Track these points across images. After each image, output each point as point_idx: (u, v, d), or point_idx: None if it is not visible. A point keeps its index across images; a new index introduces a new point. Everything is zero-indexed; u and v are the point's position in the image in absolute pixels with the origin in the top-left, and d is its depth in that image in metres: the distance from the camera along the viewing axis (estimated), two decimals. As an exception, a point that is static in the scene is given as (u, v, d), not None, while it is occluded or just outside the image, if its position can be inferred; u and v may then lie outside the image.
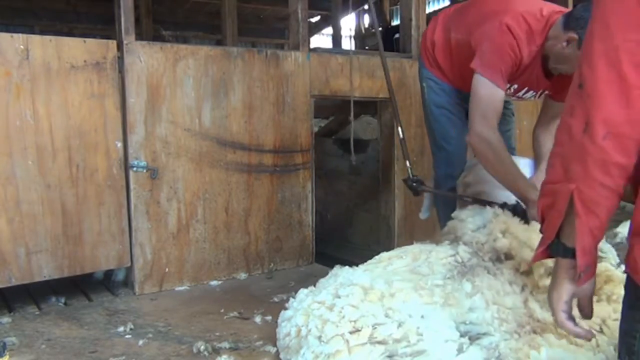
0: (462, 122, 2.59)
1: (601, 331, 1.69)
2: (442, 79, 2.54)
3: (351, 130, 3.06)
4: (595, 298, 1.80)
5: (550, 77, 2.25)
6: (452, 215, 2.19)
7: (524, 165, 2.43)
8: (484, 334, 1.64)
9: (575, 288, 1.07)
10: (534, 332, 1.68)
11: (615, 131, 0.90)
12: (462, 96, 2.47)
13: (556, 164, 1.02)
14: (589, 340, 1.13)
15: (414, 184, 2.59)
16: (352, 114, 3.05)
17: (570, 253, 1.03)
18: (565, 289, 1.07)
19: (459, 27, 2.36)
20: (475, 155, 2.24)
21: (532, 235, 1.88)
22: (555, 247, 1.07)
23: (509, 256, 1.91)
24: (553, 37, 2.08)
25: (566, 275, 1.06)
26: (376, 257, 2.07)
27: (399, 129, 2.73)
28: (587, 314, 1.11)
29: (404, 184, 2.65)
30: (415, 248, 2.04)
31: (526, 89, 2.32)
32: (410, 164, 2.65)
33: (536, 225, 1.90)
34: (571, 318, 1.10)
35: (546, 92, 2.38)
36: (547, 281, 1.80)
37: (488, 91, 2.10)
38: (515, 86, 2.30)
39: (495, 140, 2.07)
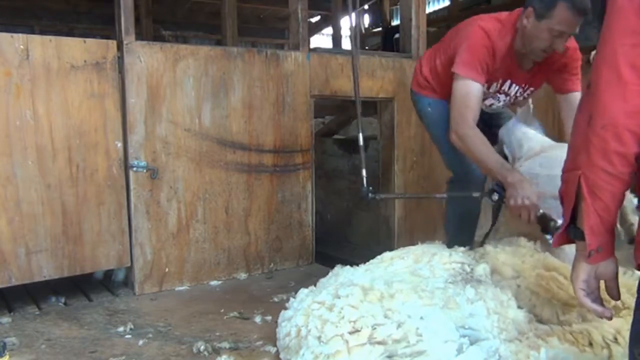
0: None
1: (615, 341, 1.63)
2: (440, 98, 2.54)
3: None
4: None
5: (528, 70, 2.38)
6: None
7: None
8: (483, 340, 1.63)
9: (593, 268, 1.14)
10: (538, 337, 1.66)
11: (612, 122, 1.02)
12: None
13: (568, 155, 1.17)
14: (609, 319, 1.20)
15: (370, 194, 2.58)
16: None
17: (583, 235, 1.12)
18: (582, 268, 1.16)
19: (440, 52, 2.49)
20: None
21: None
22: (572, 231, 1.17)
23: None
24: (519, 24, 2.24)
25: (582, 255, 1.15)
26: (378, 256, 2.07)
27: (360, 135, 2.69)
28: (613, 295, 1.18)
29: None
30: (418, 249, 2.04)
31: (509, 81, 2.41)
32: (365, 173, 2.63)
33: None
34: (591, 296, 1.17)
35: (531, 88, 2.48)
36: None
37: (464, 90, 2.22)
38: (500, 81, 2.40)
39: (472, 136, 2.18)
